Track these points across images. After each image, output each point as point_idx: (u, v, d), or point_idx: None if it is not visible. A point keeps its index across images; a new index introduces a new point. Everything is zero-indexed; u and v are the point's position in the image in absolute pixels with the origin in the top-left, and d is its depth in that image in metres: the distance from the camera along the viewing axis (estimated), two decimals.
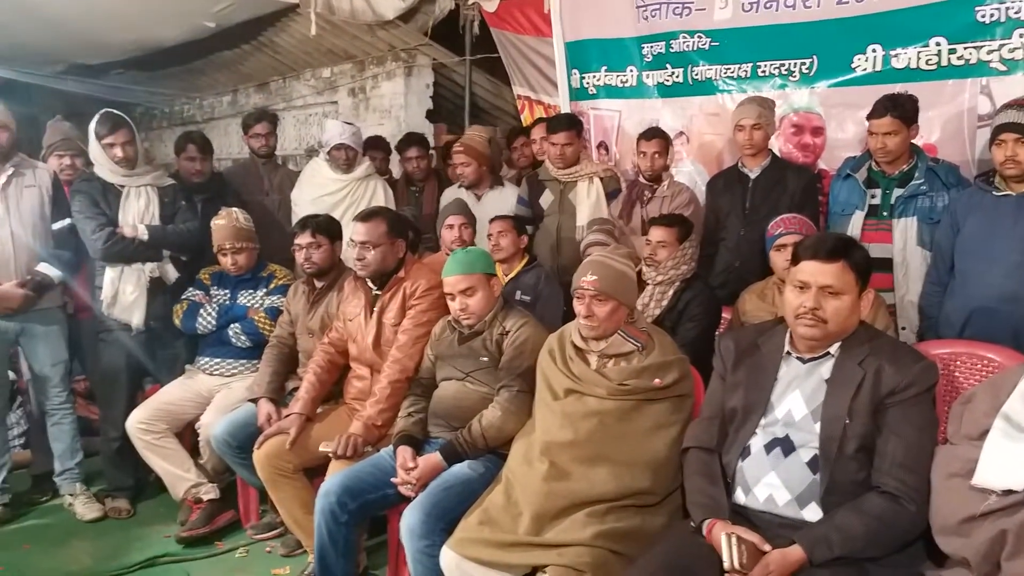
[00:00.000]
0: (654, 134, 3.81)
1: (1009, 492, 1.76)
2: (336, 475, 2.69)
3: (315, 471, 2.99)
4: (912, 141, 3.15)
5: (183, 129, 6.83)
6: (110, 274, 3.50)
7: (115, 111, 3.58)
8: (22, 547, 3.33)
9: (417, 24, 5.63)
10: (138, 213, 3.53)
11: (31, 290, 3.37)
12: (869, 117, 3.14)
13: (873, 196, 3.20)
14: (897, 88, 3.25)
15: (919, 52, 3.35)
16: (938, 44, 3.30)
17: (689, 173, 4.24)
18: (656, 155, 3.75)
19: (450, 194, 4.31)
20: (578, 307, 2.43)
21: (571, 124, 3.99)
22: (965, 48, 3.24)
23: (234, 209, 3.63)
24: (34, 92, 7.36)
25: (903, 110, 3.05)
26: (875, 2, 3.44)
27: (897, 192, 3.14)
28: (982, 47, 3.20)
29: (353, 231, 3.06)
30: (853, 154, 3.43)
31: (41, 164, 3.64)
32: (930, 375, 1.99)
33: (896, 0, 3.37)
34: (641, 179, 3.85)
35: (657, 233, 3.20)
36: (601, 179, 3.95)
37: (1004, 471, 1.79)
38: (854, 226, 3.19)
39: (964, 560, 1.80)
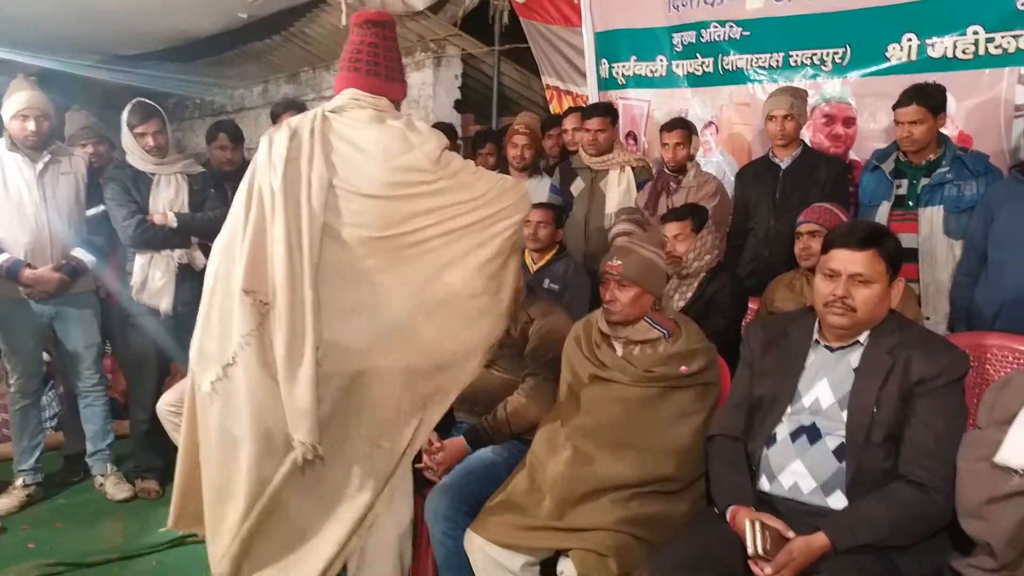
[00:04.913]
0: (675, 125, 3.78)
1: None
2: None
3: None
4: (941, 130, 3.10)
5: (214, 119, 6.88)
6: (140, 260, 3.55)
7: (147, 101, 3.62)
8: (54, 525, 3.39)
9: (447, 15, 5.65)
10: (168, 201, 3.58)
11: (66, 274, 3.42)
12: (895, 106, 3.10)
13: (899, 186, 3.16)
14: (932, 78, 3.19)
15: (956, 41, 3.30)
16: (975, 33, 3.24)
17: (718, 163, 4.22)
18: (678, 146, 3.72)
19: None
20: (602, 291, 2.43)
21: (606, 111, 3.97)
22: (1003, 37, 3.18)
23: None
24: (68, 82, 7.46)
25: (929, 99, 3.01)
26: None
27: (924, 182, 3.09)
28: (1021, 36, 3.13)
29: None
30: (886, 145, 3.38)
31: (77, 152, 3.69)
32: (961, 365, 1.96)
33: None
34: (666, 170, 3.83)
35: (671, 228, 3.15)
36: (633, 168, 3.93)
37: None
38: (880, 217, 3.15)
39: (988, 546, 1.77)
